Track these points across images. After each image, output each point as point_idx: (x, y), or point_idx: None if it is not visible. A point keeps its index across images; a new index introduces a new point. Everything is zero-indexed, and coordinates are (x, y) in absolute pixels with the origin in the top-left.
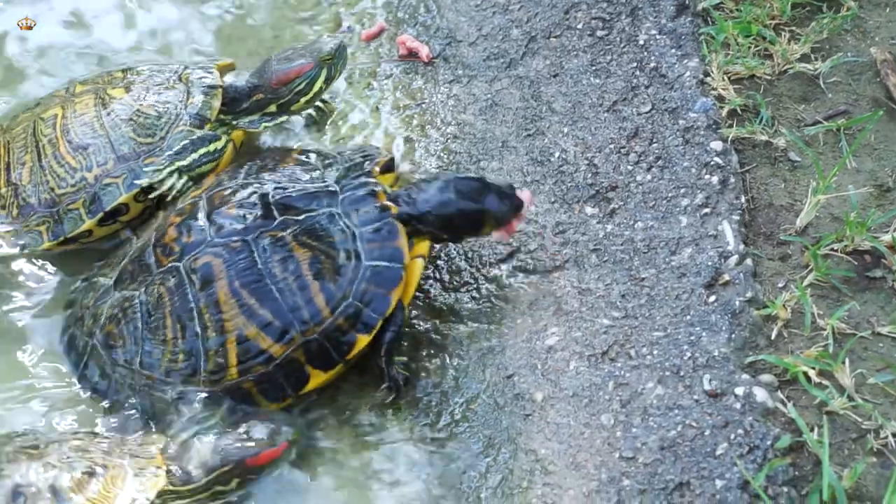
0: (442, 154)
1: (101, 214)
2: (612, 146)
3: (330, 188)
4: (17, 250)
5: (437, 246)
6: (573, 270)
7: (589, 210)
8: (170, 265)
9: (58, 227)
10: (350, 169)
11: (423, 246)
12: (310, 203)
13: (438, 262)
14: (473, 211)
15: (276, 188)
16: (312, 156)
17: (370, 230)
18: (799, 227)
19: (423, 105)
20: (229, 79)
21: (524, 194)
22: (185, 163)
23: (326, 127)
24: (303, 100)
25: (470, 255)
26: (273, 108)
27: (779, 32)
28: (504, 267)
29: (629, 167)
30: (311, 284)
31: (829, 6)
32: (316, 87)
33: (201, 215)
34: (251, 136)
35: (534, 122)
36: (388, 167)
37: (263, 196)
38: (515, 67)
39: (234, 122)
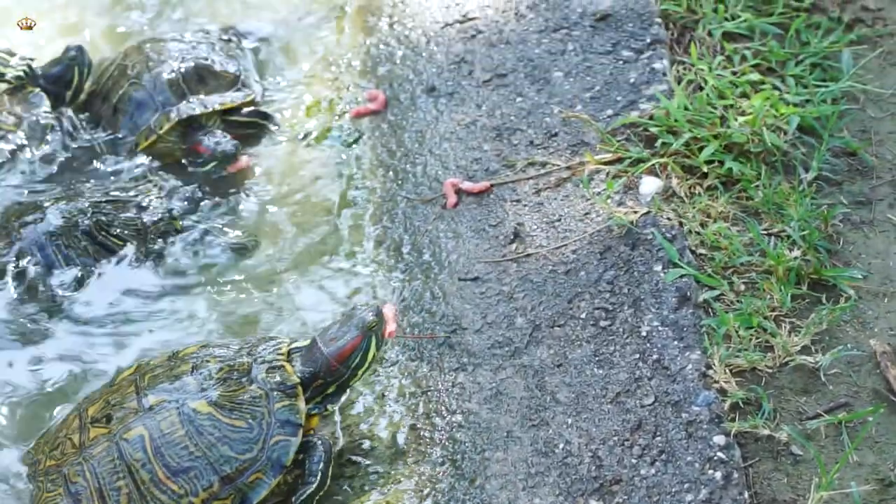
0: (447, 444)
1: None
2: (615, 438)
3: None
4: None
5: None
6: None
7: None
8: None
9: None
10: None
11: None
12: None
13: None
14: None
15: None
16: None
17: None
18: None
19: (429, 393)
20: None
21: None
22: None
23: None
24: (360, 372)
25: None
26: (332, 388)
27: (779, 324)
28: None
29: (633, 460)
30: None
31: (828, 297)
32: (370, 357)
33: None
34: None
35: (538, 413)
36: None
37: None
38: (520, 356)
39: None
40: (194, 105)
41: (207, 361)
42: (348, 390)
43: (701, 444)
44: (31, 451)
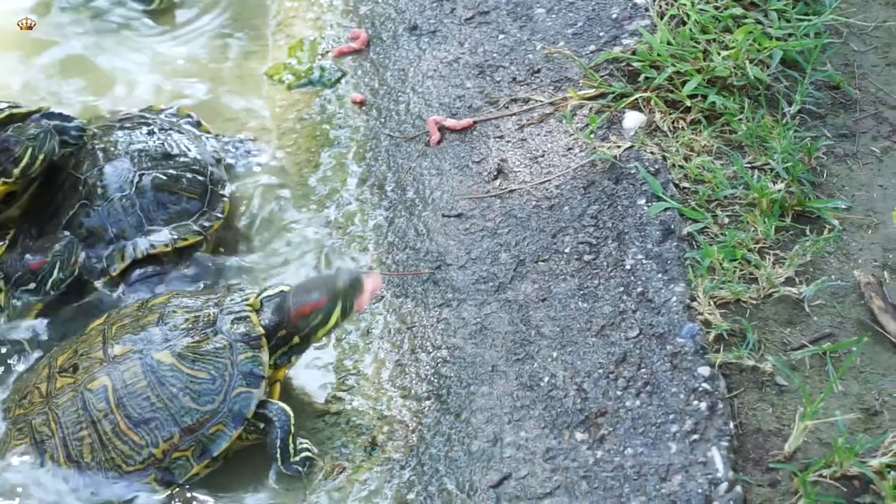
0: (433, 378)
1: None
2: (600, 371)
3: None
4: None
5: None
6: (564, 497)
7: (578, 436)
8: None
9: None
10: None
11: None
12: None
13: (429, 487)
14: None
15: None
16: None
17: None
18: (787, 453)
19: (414, 329)
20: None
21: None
22: None
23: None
24: (320, 332)
25: (461, 480)
26: (296, 339)
27: (763, 256)
28: (495, 493)
29: (618, 392)
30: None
31: (811, 229)
32: (332, 321)
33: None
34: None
35: (523, 347)
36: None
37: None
38: (504, 291)
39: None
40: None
41: (174, 312)
42: (312, 345)
43: (685, 376)
44: (4, 399)
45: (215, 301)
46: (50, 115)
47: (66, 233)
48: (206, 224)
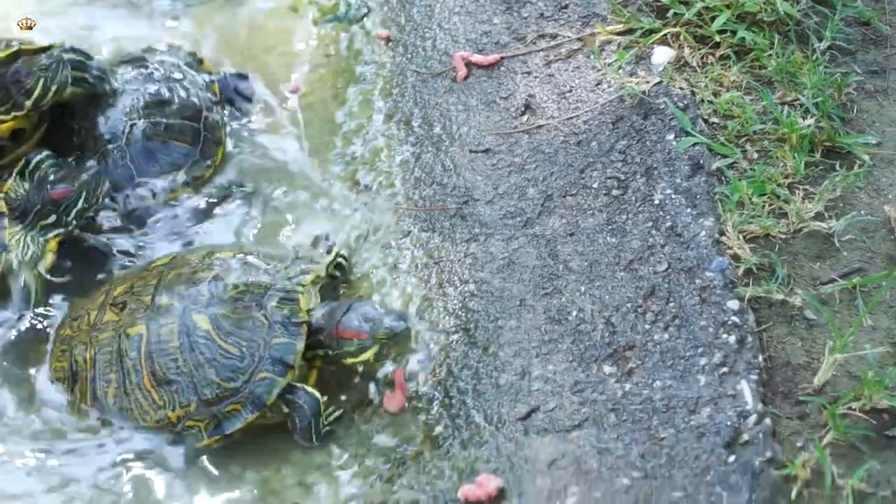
0: (460, 313)
1: None
2: (629, 305)
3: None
4: None
5: None
6: (592, 430)
7: (607, 369)
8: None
9: None
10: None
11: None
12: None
13: (457, 420)
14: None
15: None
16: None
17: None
18: (817, 386)
19: (441, 263)
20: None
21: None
22: None
23: (344, 285)
24: (349, 360)
25: (489, 413)
26: (330, 352)
27: (793, 191)
28: (522, 425)
29: (646, 326)
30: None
31: (841, 164)
32: (362, 357)
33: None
34: None
35: (551, 281)
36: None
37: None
38: (532, 226)
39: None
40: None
41: (230, 273)
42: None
43: (714, 310)
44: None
45: (275, 270)
46: (67, 53)
47: (93, 162)
48: (197, 174)
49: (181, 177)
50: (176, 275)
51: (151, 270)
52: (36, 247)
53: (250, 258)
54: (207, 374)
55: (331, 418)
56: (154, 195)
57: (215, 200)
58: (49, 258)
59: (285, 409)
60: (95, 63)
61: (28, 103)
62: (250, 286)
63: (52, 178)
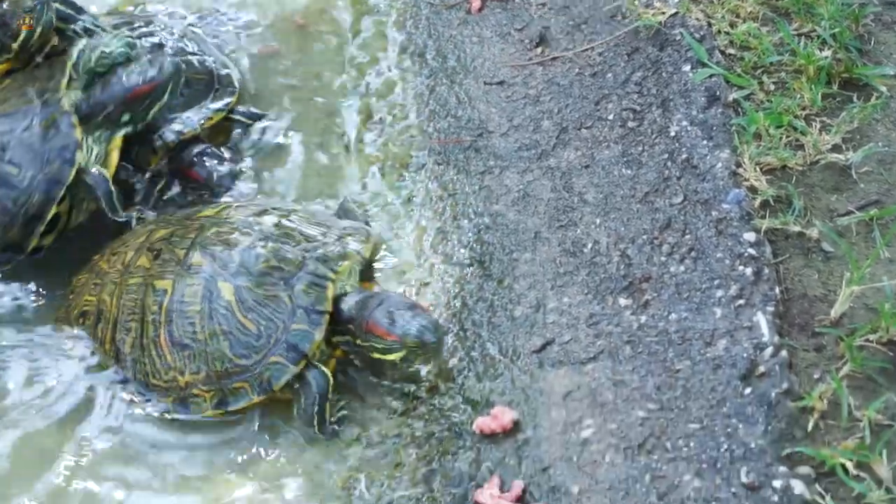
0: (475, 245)
1: None
2: (644, 237)
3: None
4: None
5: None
6: (607, 362)
7: (622, 301)
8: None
9: None
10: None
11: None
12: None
13: (472, 353)
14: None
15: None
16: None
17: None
18: (833, 318)
19: (456, 196)
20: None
21: None
22: None
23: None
24: (375, 355)
25: (504, 346)
26: (357, 342)
27: (810, 123)
28: (537, 357)
29: (662, 258)
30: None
31: (859, 96)
32: (389, 358)
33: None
34: None
35: (566, 213)
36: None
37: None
38: (547, 158)
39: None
40: (177, 127)
41: (269, 241)
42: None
43: (731, 241)
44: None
45: (313, 247)
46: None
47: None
48: (222, 104)
49: (211, 106)
50: (216, 232)
51: (195, 220)
52: (99, 147)
53: (294, 224)
54: (221, 345)
55: (339, 414)
56: (188, 127)
57: (249, 122)
58: (114, 156)
59: (295, 386)
60: (88, 18)
61: (15, 46)
62: (283, 262)
63: (120, 73)
